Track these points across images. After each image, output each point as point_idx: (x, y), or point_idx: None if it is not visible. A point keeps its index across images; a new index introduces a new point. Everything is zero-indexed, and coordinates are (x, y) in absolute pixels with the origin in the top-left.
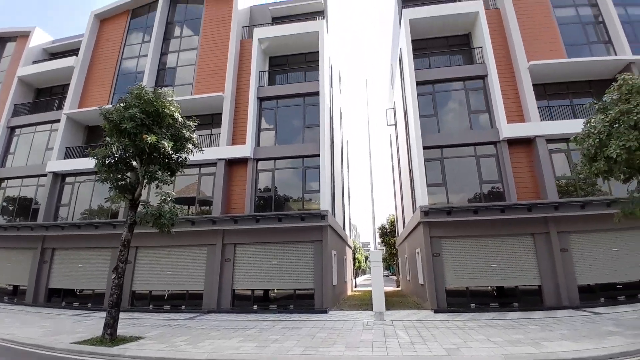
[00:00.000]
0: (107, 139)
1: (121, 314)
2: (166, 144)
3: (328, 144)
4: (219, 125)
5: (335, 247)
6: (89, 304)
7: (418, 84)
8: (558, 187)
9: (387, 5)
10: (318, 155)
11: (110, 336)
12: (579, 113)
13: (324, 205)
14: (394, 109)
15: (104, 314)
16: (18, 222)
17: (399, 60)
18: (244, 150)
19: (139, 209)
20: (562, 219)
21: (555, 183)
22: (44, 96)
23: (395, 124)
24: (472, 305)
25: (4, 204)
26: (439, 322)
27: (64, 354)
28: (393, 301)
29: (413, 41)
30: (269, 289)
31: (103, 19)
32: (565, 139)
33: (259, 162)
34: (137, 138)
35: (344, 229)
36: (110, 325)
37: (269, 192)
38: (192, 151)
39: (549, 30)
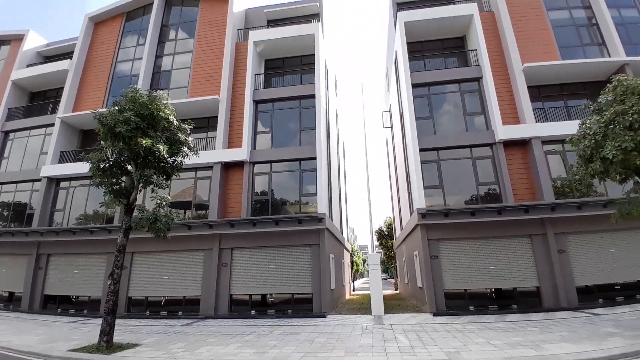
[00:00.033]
0: (102, 142)
1: (117, 321)
2: (161, 147)
3: (325, 147)
4: (214, 128)
5: (333, 250)
6: (85, 311)
7: (414, 86)
8: (554, 189)
9: (383, 8)
10: (315, 158)
11: (107, 343)
12: (574, 115)
13: (321, 208)
14: (389, 111)
15: (100, 321)
16: (13, 227)
17: (395, 62)
18: (240, 153)
19: (134, 214)
20: (558, 220)
21: (551, 184)
22: (38, 100)
23: (391, 127)
24: (471, 307)
25: None
26: (439, 325)
27: None
28: (392, 304)
29: (408, 44)
30: (267, 294)
31: (97, 22)
32: (560, 141)
33: (256, 165)
34: (131, 142)
35: (342, 232)
36: (107, 332)
37: (266, 196)
38: (187, 155)
39: (543, 32)
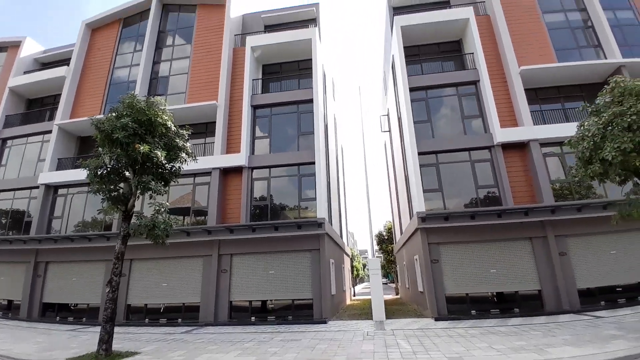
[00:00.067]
0: (99, 149)
1: (116, 329)
2: (159, 153)
3: (323, 151)
4: (213, 134)
5: (333, 255)
6: (84, 319)
7: (411, 90)
8: (553, 191)
9: (379, 13)
10: (313, 163)
11: (105, 352)
12: (571, 117)
13: (321, 213)
14: (387, 115)
15: (98, 329)
16: (11, 235)
17: (392, 66)
18: (238, 158)
19: (132, 221)
20: (559, 223)
21: (550, 187)
22: (36, 107)
23: (389, 130)
24: (473, 311)
25: None
26: (440, 330)
27: None
28: (393, 309)
29: (405, 48)
30: (267, 300)
31: (94, 29)
32: (558, 143)
33: (254, 170)
34: (129, 148)
35: (341, 236)
36: (105, 340)
37: (265, 201)
38: (185, 160)
39: (539, 35)
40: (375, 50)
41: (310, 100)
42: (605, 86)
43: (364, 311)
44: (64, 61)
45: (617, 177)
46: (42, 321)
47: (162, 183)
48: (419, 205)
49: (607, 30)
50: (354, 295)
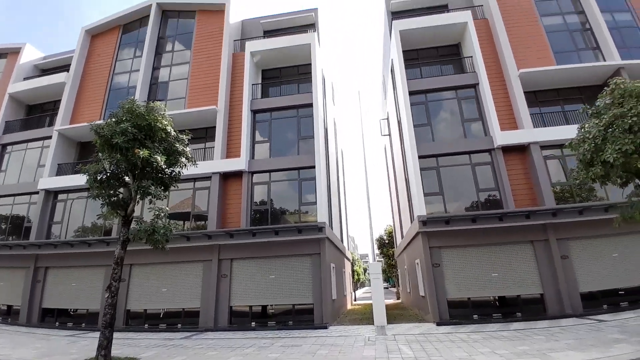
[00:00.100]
0: (99, 154)
1: (116, 334)
2: (159, 158)
3: (323, 155)
4: (213, 138)
5: (334, 259)
6: (83, 324)
7: (411, 93)
8: (554, 194)
9: (378, 17)
10: (313, 167)
11: (104, 357)
12: (571, 119)
13: (321, 217)
14: (387, 119)
15: (98, 334)
16: (10, 240)
17: (391, 70)
18: (238, 163)
19: (132, 226)
20: (560, 226)
21: (551, 189)
22: (35, 113)
23: (389, 134)
24: (475, 316)
25: None
26: (442, 335)
27: None
28: (394, 314)
29: (404, 52)
30: (267, 305)
31: (94, 35)
32: (559, 145)
33: (254, 175)
34: (129, 153)
35: (342, 241)
36: (104, 346)
37: (265, 205)
38: (185, 165)
39: (537, 38)
40: (375, 55)
41: (310, 105)
42: (605, 88)
43: (365, 316)
44: (64, 67)
45: (618, 179)
46: (42, 326)
47: (162, 188)
48: (420, 209)
49: (606, 32)
50: (355, 300)
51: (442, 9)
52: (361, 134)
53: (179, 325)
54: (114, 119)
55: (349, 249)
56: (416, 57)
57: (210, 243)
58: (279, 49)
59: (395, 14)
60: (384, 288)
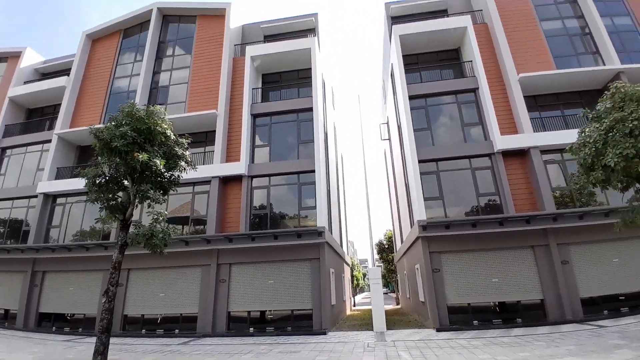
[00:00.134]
0: (98, 158)
1: (112, 340)
2: (158, 162)
3: (323, 160)
4: (212, 143)
5: (333, 264)
6: (80, 329)
7: (410, 98)
8: (555, 198)
9: (378, 22)
10: (313, 171)
11: None
12: (571, 124)
13: (321, 221)
14: (387, 123)
15: (95, 339)
16: (8, 244)
17: (391, 75)
18: (238, 167)
19: (130, 230)
20: (561, 231)
21: (551, 194)
22: (35, 116)
23: (389, 139)
24: (475, 322)
25: None
26: (442, 341)
27: None
28: (394, 320)
29: (404, 56)
30: (266, 311)
31: (95, 39)
32: (559, 150)
33: (254, 179)
34: (128, 156)
35: (341, 245)
36: (101, 351)
37: (265, 210)
38: (185, 169)
39: (537, 42)
40: (374, 59)
41: (310, 109)
42: (606, 92)
43: (364, 322)
44: (64, 71)
45: (619, 184)
46: (39, 331)
47: (161, 192)
48: (420, 214)
49: (605, 36)
50: (354, 306)
51: (442, 13)
52: (361, 138)
53: (177, 330)
54: (113, 123)
55: (348, 254)
56: (416, 61)
57: (209, 248)
58: (279, 54)
59: (395, 19)
60: (384, 293)
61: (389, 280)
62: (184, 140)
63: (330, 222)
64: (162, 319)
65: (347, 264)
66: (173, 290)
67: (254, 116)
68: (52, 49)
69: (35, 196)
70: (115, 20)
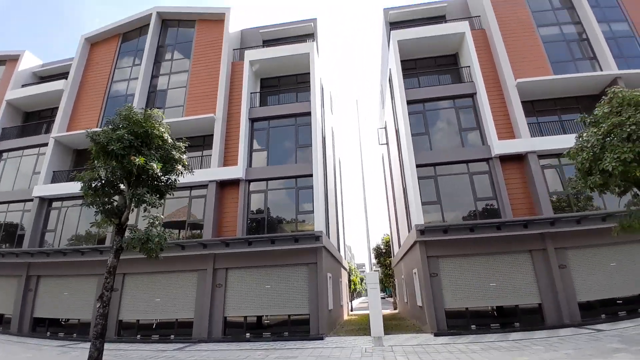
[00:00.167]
0: (95, 161)
1: (107, 345)
2: (155, 165)
3: (321, 164)
4: (210, 147)
5: (331, 269)
6: (75, 334)
7: (408, 103)
8: (552, 203)
9: (376, 28)
10: (311, 176)
11: None
12: (568, 129)
13: (318, 226)
14: (385, 128)
15: (89, 345)
16: (3, 248)
17: (389, 80)
18: (235, 171)
19: (126, 234)
20: (558, 235)
21: (549, 198)
22: (33, 120)
23: (387, 143)
24: (473, 326)
25: None
26: (440, 346)
27: None
28: (391, 325)
29: (402, 61)
30: (262, 316)
31: (94, 43)
32: (556, 155)
33: (251, 183)
34: (124, 160)
35: (339, 250)
36: (95, 357)
37: (262, 214)
38: (182, 173)
39: (534, 48)
40: (372, 64)
41: (308, 113)
42: (604, 97)
43: (361, 327)
44: (63, 75)
45: (616, 188)
46: (33, 336)
47: (158, 195)
48: (418, 218)
49: (602, 42)
50: (352, 310)
51: (440, 19)
52: (359, 142)
53: (172, 336)
54: (110, 126)
55: (345, 259)
56: (414, 66)
57: (206, 252)
58: (277, 58)
59: (394, 24)
60: (381, 298)
61: (387, 284)
62: (181, 144)
63: (328, 227)
64: (157, 324)
65: (345, 269)
66: (169, 295)
67: (252, 120)
68: (50, 53)
69: (31, 200)
70: (114, 24)
